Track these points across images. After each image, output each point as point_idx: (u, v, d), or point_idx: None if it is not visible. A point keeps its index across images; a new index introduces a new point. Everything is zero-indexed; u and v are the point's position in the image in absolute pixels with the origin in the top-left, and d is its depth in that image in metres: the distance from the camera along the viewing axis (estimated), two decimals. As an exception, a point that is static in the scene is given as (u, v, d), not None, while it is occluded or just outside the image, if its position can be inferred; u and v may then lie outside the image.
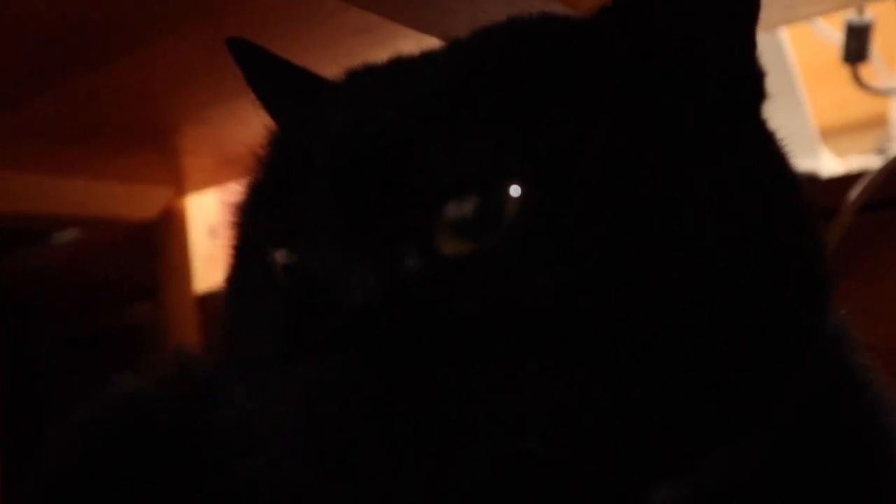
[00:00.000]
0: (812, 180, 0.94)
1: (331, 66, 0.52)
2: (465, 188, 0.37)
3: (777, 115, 0.46)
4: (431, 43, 0.49)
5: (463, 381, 0.35)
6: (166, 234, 1.42)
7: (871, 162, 1.10)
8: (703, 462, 0.39)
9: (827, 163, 1.19)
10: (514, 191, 0.37)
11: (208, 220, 1.41)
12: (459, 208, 0.37)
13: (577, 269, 0.36)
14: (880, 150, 1.26)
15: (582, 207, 0.37)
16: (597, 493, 0.37)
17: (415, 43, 0.48)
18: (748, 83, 0.45)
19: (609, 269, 0.36)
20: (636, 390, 0.36)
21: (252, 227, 0.47)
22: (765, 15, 0.44)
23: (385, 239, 0.39)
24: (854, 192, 0.87)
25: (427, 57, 0.46)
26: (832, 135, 1.35)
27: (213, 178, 1.34)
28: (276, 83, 0.55)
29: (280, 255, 0.43)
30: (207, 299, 1.34)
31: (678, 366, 0.36)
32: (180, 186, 1.39)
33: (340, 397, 0.35)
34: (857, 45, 1.06)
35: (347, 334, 0.36)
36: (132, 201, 1.37)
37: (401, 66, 0.46)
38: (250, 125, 0.52)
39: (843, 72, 1.14)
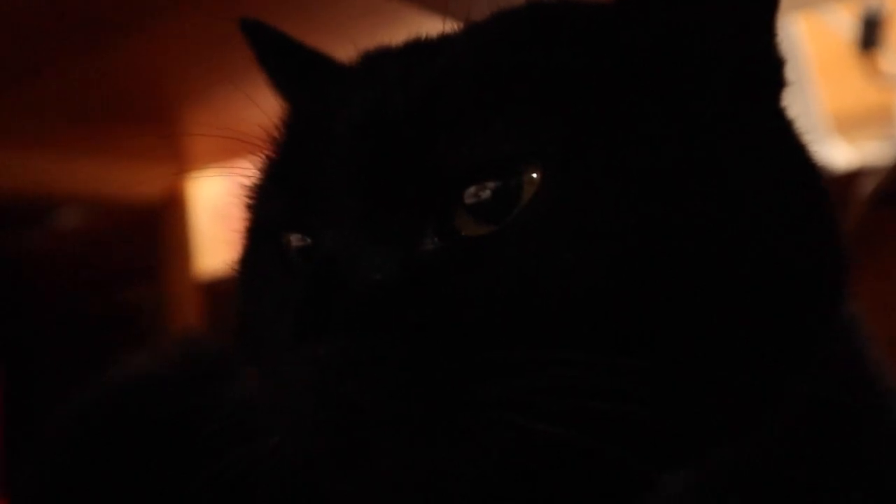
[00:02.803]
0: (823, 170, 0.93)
1: (344, 48, 0.52)
2: (484, 173, 0.38)
3: (787, 103, 0.46)
4: (442, 27, 0.48)
5: (480, 361, 0.35)
6: (168, 214, 1.42)
7: (883, 150, 1.10)
8: (715, 451, 0.39)
9: (838, 151, 1.19)
10: (533, 174, 0.37)
11: (212, 202, 1.40)
12: (479, 192, 0.38)
13: (594, 250, 0.36)
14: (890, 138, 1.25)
15: (599, 190, 0.37)
16: (608, 477, 0.37)
17: (428, 26, 0.47)
18: (768, 70, 0.45)
19: (625, 252, 0.36)
20: (652, 373, 0.35)
21: (265, 210, 0.47)
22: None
23: (404, 220, 0.39)
24: (866, 185, 0.87)
25: (445, 39, 0.45)
26: (844, 123, 1.34)
27: (216, 159, 1.33)
28: (289, 65, 0.54)
29: (294, 238, 0.43)
30: (211, 283, 1.33)
31: (694, 350, 0.36)
32: (183, 167, 1.38)
33: (359, 376, 0.35)
34: (871, 33, 1.05)
35: (365, 313, 0.36)
36: (134, 181, 1.37)
37: (418, 48, 0.46)
38: (255, 105, 0.51)
39: (856, 61, 1.13)
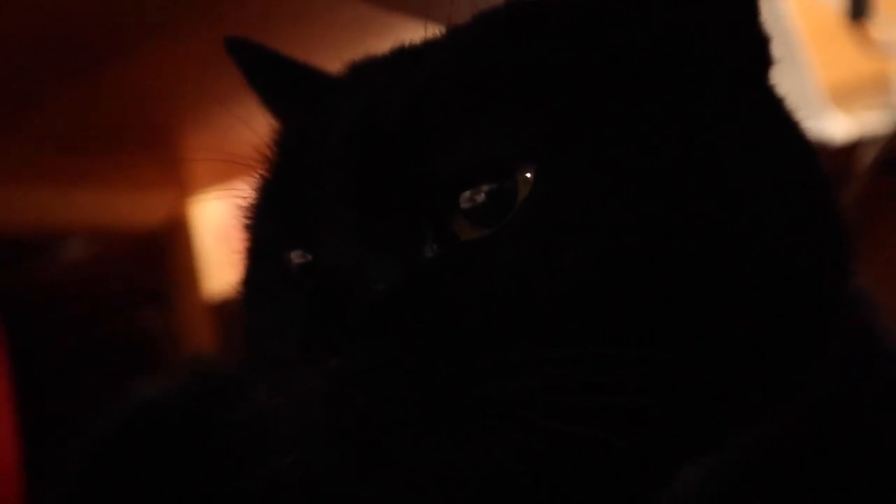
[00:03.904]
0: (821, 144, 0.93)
1: (332, 60, 0.52)
2: (478, 176, 0.38)
3: (779, 80, 0.46)
4: (426, 32, 0.48)
5: (486, 363, 0.35)
6: (173, 238, 1.42)
7: (881, 119, 1.09)
8: (730, 438, 0.38)
9: (836, 123, 1.18)
10: (527, 174, 0.37)
11: (216, 224, 1.41)
12: (474, 196, 0.38)
13: (592, 247, 0.36)
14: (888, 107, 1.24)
15: (594, 187, 0.36)
16: (623, 470, 0.37)
17: (414, 32, 0.47)
18: (754, 50, 0.45)
19: (623, 248, 0.36)
20: (657, 366, 0.35)
21: (264, 229, 0.47)
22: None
23: (402, 229, 0.39)
24: (866, 155, 0.86)
25: (429, 45, 0.45)
26: (840, 95, 1.33)
27: (217, 181, 1.34)
28: (278, 81, 0.54)
29: (295, 255, 0.43)
30: (221, 304, 1.33)
31: (700, 339, 0.36)
32: (184, 190, 1.39)
33: (368, 385, 0.36)
34: (860, 2, 1.05)
35: (370, 324, 0.36)
36: (137, 208, 1.37)
37: (404, 55, 0.46)
38: (253, 125, 0.51)
39: (847, 31, 1.13)
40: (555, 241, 0.36)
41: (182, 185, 1.37)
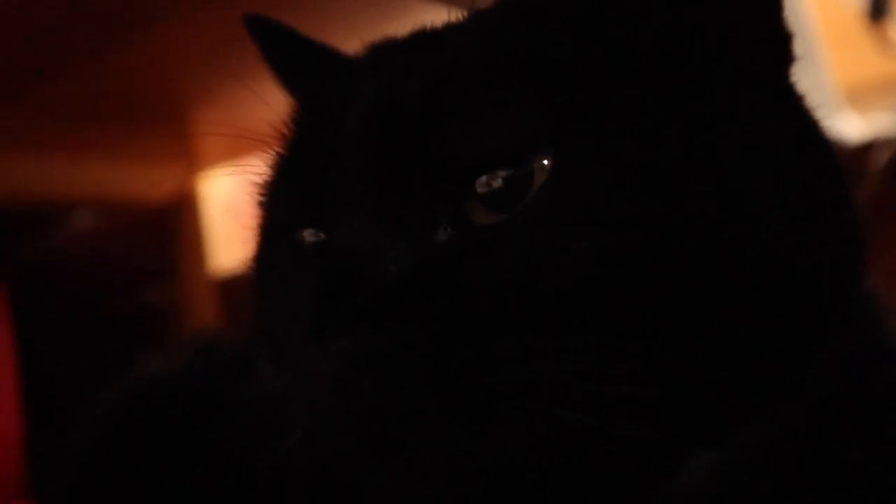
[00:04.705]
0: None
1: (349, 40, 0.51)
2: (495, 162, 0.38)
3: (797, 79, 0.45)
4: (446, 17, 0.48)
5: (499, 348, 0.35)
6: (181, 214, 1.42)
7: (893, 120, 1.09)
8: (737, 431, 0.38)
9: (851, 124, 1.17)
10: (544, 161, 0.37)
11: (224, 200, 1.41)
12: (490, 181, 0.38)
13: (607, 235, 0.36)
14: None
15: (611, 175, 0.36)
16: (628, 463, 0.37)
17: (433, 16, 0.47)
18: (776, 46, 0.45)
19: (639, 236, 0.36)
20: (670, 355, 0.35)
21: (278, 207, 0.47)
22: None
23: (417, 211, 0.39)
24: (880, 157, 0.86)
25: (451, 28, 0.45)
26: (856, 96, 1.33)
27: (227, 157, 1.33)
28: (295, 59, 0.54)
29: (308, 234, 0.43)
30: (226, 280, 1.34)
31: (710, 330, 0.36)
32: (193, 165, 1.39)
33: (382, 367, 0.35)
34: (880, 3, 1.04)
35: (384, 305, 0.36)
36: (146, 181, 1.37)
37: (425, 38, 0.46)
38: (264, 102, 0.51)
39: (866, 32, 1.12)
40: (571, 229, 0.36)
41: (191, 161, 1.37)
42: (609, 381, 0.34)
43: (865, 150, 0.88)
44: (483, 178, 0.38)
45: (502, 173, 0.37)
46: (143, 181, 1.36)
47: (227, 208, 1.41)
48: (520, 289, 0.36)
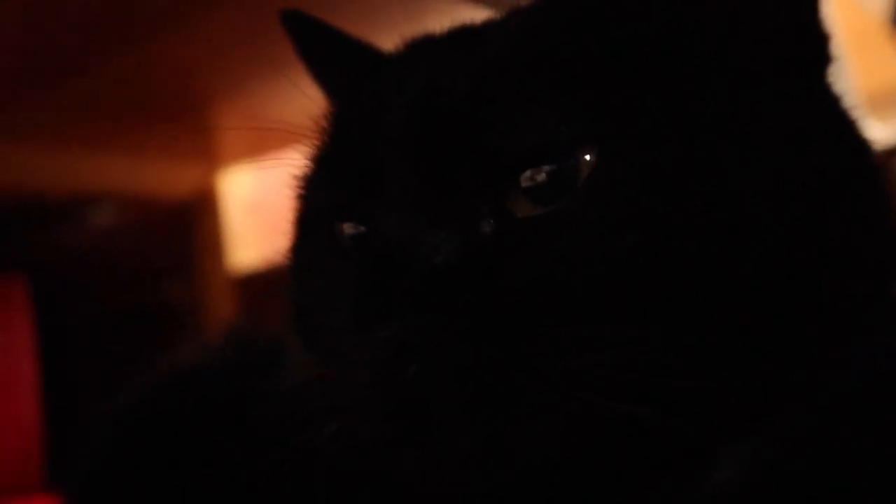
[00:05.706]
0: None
1: (383, 36, 0.52)
2: (541, 157, 0.38)
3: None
4: (482, 15, 0.48)
5: (541, 340, 0.36)
6: (201, 210, 1.42)
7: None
8: (768, 424, 0.38)
9: (872, 130, 1.17)
10: (588, 156, 0.37)
11: (244, 197, 1.41)
12: (535, 175, 0.38)
13: (649, 228, 0.36)
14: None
15: (656, 170, 0.37)
16: (664, 452, 0.37)
17: (466, 15, 0.47)
18: (814, 46, 0.45)
19: (679, 229, 0.36)
20: (706, 348, 0.36)
21: (317, 200, 0.47)
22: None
23: (461, 203, 0.39)
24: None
25: (491, 25, 0.45)
26: (878, 101, 1.32)
27: (247, 154, 1.34)
28: (331, 54, 0.55)
29: (348, 227, 0.44)
30: (245, 277, 1.34)
31: (747, 325, 0.36)
32: (214, 163, 1.39)
33: (425, 357, 0.36)
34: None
35: (427, 295, 0.37)
36: (167, 177, 1.38)
37: (465, 34, 0.46)
38: (286, 99, 0.51)
39: (889, 37, 1.12)
40: (616, 222, 0.36)
41: (212, 158, 1.37)
42: (650, 372, 0.34)
43: (887, 157, 0.88)
44: (528, 173, 0.38)
45: (547, 168, 0.38)
46: (164, 177, 1.36)
47: (247, 206, 1.41)
48: (563, 280, 0.36)
